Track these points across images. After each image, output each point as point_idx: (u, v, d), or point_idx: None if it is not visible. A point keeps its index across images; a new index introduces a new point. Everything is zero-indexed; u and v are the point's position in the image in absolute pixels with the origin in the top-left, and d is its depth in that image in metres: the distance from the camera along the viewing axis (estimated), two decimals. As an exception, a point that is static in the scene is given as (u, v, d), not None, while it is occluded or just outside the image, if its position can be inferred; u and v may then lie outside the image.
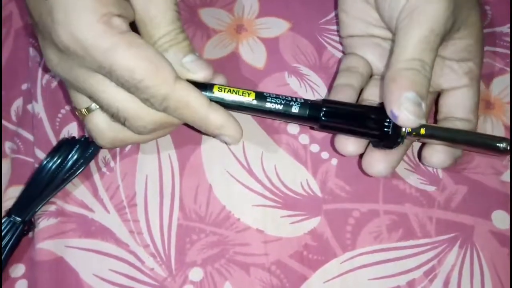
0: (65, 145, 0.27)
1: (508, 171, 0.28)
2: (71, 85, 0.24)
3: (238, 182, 0.27)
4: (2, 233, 0.25)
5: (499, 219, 0.26)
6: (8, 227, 0.25)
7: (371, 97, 0.28)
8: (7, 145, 0.29)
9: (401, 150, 0.26)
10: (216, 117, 0.24)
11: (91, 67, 0.22)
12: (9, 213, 0.25)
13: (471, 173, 0.28)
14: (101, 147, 0.27)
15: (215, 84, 0.25)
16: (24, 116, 0.30)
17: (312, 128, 0.29)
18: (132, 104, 0.23)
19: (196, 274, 0.25)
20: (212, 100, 0.24)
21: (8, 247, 0.25)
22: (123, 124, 0.24)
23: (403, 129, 0.24)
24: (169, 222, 0.26)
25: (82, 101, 0.25)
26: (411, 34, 0.24)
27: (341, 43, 0.31)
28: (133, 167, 0.28)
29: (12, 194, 0.27)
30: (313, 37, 0.32)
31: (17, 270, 0.26)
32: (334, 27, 0.32)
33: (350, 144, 0.26)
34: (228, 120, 0.24)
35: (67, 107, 0.30)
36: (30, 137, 0.29)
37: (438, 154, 0.26)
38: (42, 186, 0.26)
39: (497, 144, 0.24)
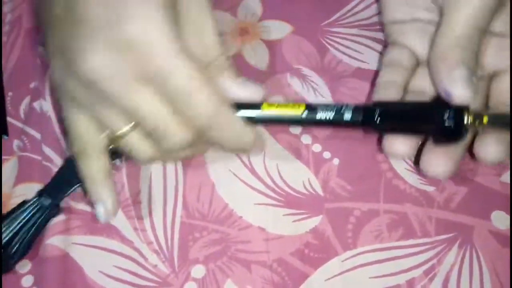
0: None
1: (508, 172, 0.28)
2: (106, 98, 0.23)
3: (240, 181, 0.28)
4: (31, 213, 0.26)
5: (499, 219, 0.27)
6: (38, 207, 0.26)
7: (417, 87, 0.27)
8: (15, 143, 0.29)
9: (463, 145, 0.25)
10: (250, 135, 0.24)
11: (147, 73, 0.22)
12: (40, 194, 0.26)
13: (471, 174, 0.28)
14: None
15: (264, 102, 0.25)
16: (31, 114, 0.30)
17: (366, 132, 0.27)
18: (173, 120, 0.23)
19: (198, 271, 0.26)
20: (263, 118, 0.25)
21: (35, 227, 0.26)
22: (158, 140, 0.24)
23: (466, 119, 0.23)
24: (172, 220, 0.27)
25: (118, 122, 0.24)
26: (460, 9, 0.23)
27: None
28: (138, 165, 0.28)
29: (20, 192, 0.28)
30: (316, 39, 0.32)
31: (24, 266, 0.26)
32: (337, 29, 0.33)
33: (400, 144, 0.25)
34: (255, 135, 0.25)
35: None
36: (36, 134, 0.29)
37: (493, 146, 0.24)
38: (74, 172, 0.26)
39: None
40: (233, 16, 0.33)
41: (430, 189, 0.28)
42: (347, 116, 0.24)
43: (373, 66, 0.31)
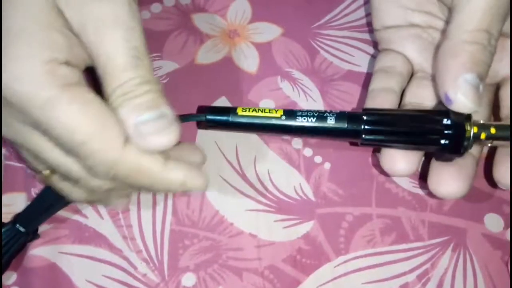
0: None
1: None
2: (16, 145, 0.21)
3: (231, 187, 0.27)
4: (6, 240, 0.25)
5: (492, 222, 0.26)
6: (13, 234, 0.25)
7: (414, 99, 0.25)
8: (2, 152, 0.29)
9: (473, 159, 0.23)
10: (175, 175, 0.20)
11: (29, 122, 0.19)
12: (15, 221, 0.25)
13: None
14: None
15: (238, 107, 0.23)
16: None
17: (354, 144, 0.26)
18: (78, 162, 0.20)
19: (189, 279, 0.25)
20: (237, 123, 0.23)
21: (9, 253, 0.25)
22: (76, 184, 0.21)
23: (468, 131, 0.21)
24: (162, 227, 0.26)
25: (38, 164, 0.22)
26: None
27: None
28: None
29: (4, 202, 0.27)
30: (306, 42, 0.32)
31: (9, 277, 0.26)
32: (327, 32, 0.32)
33: (400, 161, 0.23)
34: (189, 172, 0.21)
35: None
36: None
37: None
38: (51, 201, 0.25)
39: None
40: (222, 19, 0.33)
41: (423, 192, 0.27)
42: (331, 122, 0.22)
43: (364, 68, 0.31)
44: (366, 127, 0.22)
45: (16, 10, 0.18)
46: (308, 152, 0.28)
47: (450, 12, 0.22)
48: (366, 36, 0.32)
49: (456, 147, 0.22)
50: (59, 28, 0.19)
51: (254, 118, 0.23)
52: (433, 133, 0.22)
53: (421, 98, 0.25)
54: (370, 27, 0.32)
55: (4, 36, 0.18)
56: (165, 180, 0.20)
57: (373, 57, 0.31)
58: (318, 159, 0.28)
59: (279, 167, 0.28)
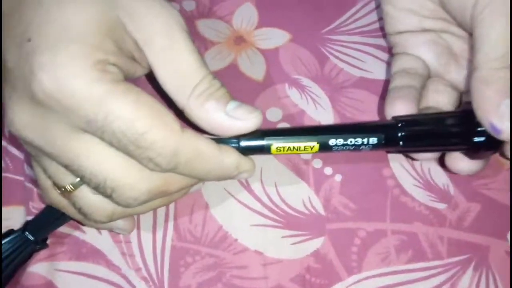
0: None
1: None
2: (43, 153, 0.20)
3: (236, 200, 0.26)
4: (14, 247, 0.24)
5: (516, 239, 0.25)
6: (21, 242, 0.24)
7: (432, 104, 0.26)
8: (-2, 163, 0.28)
9: None
10: (230, 158, 0.21)
11: (77, 123, 0.19)
12: (24, 229, 0.24)
13: (484, 189, 0.26)
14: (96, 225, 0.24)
15: (272, 144, 0.22)
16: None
17: (389, 152, 0.27)
18: (123, 170, 0.20)
19: (191, 299, 0.24)
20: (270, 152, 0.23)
21: (16, 260, 0.24)
22: (109, 196, 0.20)
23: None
24: (162, 244, 0.25)
25: (64, 175, 0.21)
26: (498, 26, 0.21)
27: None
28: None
29: (3, 215, 0.26)
30: (315, 48, 0.31)
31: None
32: (337, 37, 0.31)
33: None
34: (240, 156, 0.22)
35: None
36: (18, 154, 0.28)
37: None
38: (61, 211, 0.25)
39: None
40: (228, 24, 0.32)
41: (441, 206, 0.26)
42: (366, 148, 0.23)
43: (377, 75, 0.29)
44: (403, 143, 0.23)
45: (76, 14, 0.19)
46: (317, 163, 0.27)
47: (472, 39, 0.23)
48: (378, 41, 0.31)
49: (492, 142, 0.22)
50: (113, 35, 0.20)
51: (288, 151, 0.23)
52: (465, 137, 0.23)
53: (439, 103, 0.26)
54: (382, 32, 0.30)
55: (61, 36, 0.18)
56: (222, 163, 0.21)
57: (386, 63, 0.30)
58: (328, 170, 0.27)
59: (286, 179, 0.27)
